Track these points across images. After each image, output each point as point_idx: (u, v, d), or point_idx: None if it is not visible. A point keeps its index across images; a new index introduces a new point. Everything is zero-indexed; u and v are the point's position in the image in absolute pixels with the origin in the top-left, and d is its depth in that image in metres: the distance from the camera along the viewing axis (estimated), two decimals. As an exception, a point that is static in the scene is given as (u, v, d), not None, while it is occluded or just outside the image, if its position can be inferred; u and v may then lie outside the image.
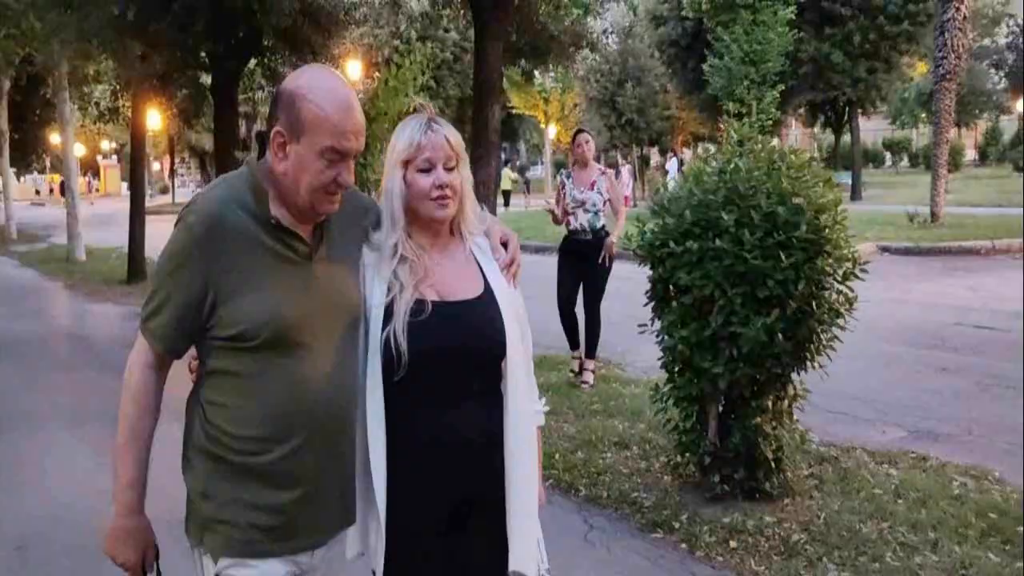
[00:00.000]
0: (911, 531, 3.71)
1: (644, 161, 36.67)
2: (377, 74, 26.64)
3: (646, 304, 4.24)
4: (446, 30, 32.46)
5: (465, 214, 1.88)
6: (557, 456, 4.70)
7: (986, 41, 41.27)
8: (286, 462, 1.67)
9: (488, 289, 1.86)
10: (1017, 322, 8.21)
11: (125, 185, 60.29)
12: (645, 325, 4.26)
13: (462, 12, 6.00)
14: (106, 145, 53.22)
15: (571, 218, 6.14)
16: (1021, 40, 40.40)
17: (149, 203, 15.61)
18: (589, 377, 6.21)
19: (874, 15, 25.28)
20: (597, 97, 26.90)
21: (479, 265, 1.89)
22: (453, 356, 1.79)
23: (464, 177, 1.86)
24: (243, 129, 34.34)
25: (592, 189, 6.11)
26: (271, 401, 1.66)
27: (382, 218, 1.84)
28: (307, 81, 1.66)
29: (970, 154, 46.08)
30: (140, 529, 1.71)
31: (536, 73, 6.96)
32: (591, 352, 6.28)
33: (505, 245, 1.93)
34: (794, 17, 21.89)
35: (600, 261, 6.08)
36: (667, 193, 3.99)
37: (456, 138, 1.84)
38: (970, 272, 11.19)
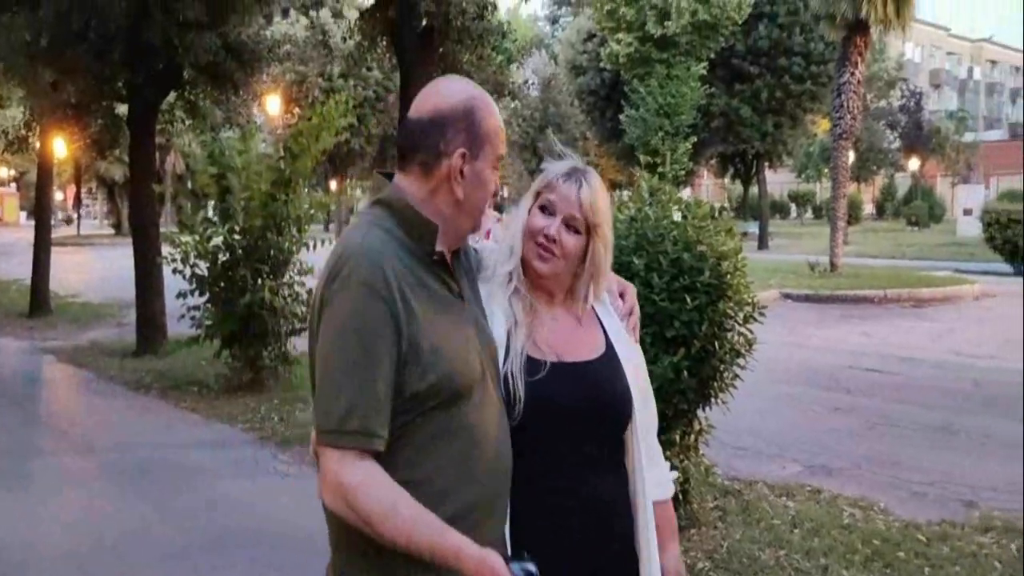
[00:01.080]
0: (805, 558, 3.96)
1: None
2: (298, 110, 26.58)
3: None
4: (368, 68, 32.72)
5: (596, 287, 1.70)
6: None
7: (882, 103, 43.89)
8: (477, 527, 1.44)
9: (610, 348, 1.69)
10: (905, 366, 8.77)
11: (24, 214, 57.87)
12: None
13: (387, 56, 6.14)
14: (3, 172, 50.98)
15: None
16: (912, 103, 43.17)
17: (54, 234, 15.05)
18: None
19: (780, 74, 26.75)
20: (519, 142, 27.49)
21: (599, 321, 1.72)
22: (572, 417, 1.61)
23: (595, 250, 1.66)
24: (180, 164, 33.55)
25: (488, 238, 5.96)
26: (464, 462, 1.46)
27: (500, 245, 1.72)
28: (465, 92, 1.51)
29: (868, 208, 48.69)
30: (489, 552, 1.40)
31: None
32: None
33: (622, 296, 1.78)
34: (706, 73, 23.16)
35: None
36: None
37: (592, 201, 1.64)
38: (864, 319, 11.86)
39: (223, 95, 8.85)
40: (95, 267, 23.36)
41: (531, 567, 1.40)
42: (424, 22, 5.07)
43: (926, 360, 9.08)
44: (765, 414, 6.59)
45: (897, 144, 44.76)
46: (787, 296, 14.18)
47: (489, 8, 5.26)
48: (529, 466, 1.57)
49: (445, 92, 1.52)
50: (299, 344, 7.90)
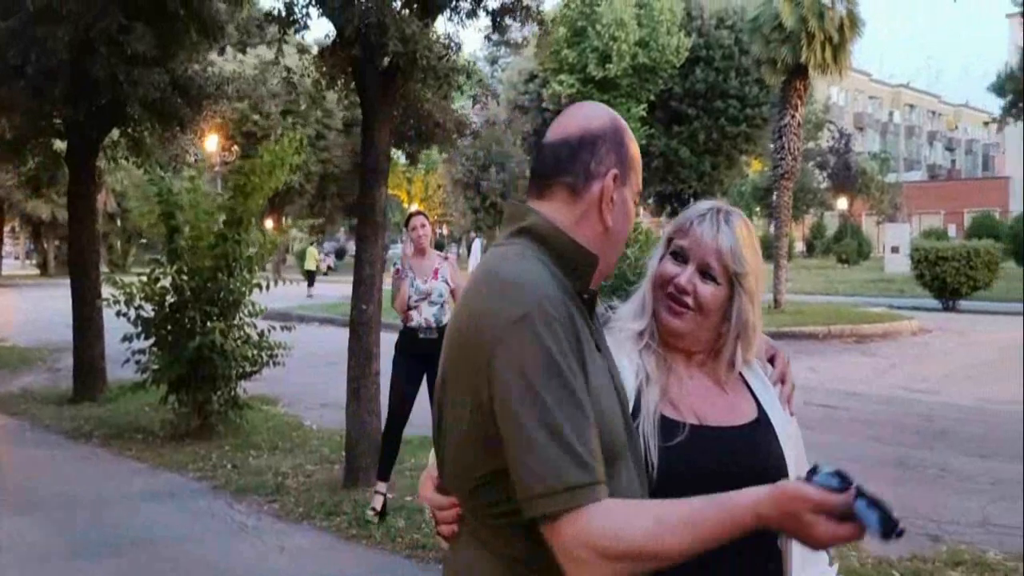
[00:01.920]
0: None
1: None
2: (236, 148, 26.20)
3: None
4: (295, 105, 32.51)
5: (746, 349, 1.48)
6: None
7: (811, 144, 45.59)
8: None
9: (763, 414, 1.48)
10: (854, 401, 8.95)
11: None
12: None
13: (344, 95, 6.07)
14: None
15: (413, 313, 5.26)
16: (842, 144, 44.90)
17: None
18: (377, 501, 5.17)
19: (717, 116, 27.58)
20: (462, 180, 27.59)
21: (749, 388, 1.51)
22: (715, 488, 1.27)
23: (741, 305, 1.46)
24: (112, 203, 32.60)
25: (436, 278, 5.32)
26: None
27: (630, 300, 1.53)
28: (611, 114, 1.37)
29: (799, 246, 50.22)
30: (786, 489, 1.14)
31: (405, 156, 7.02)
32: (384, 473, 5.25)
33: (772, 360, 1.58)
34: (646, 115, 23.74)
35: None
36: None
37: (733, 246, 1.45)
38: (810, 355, 12.11)
39: (170, 131, 8.62)
40: (21, 309, 22.42)
41: (834, 477, 1.16)
42: (388, 60, 5.02)
43: (874, 395, 9.29)
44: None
45: (826, 184, 46.39)
46: (733, 333, 14.35)
47: (454, 47, 5.25)
48: None
49: (591, 113, 1.36)
50: (249, 388, 7.66)
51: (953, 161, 78.81)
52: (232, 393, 7.42)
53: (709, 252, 1.45)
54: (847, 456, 6.70)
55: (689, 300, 1.44)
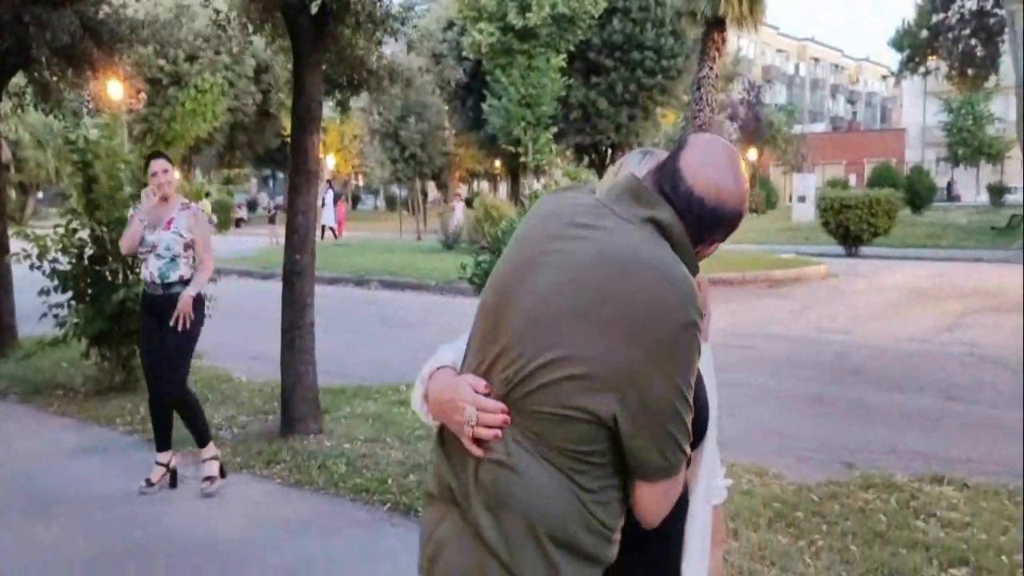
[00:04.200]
0: (715, 524, 4.19)
1: (423, 195, 37.30)
2: (142, 94, 25.02)
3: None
4: (216, 52, 31.22)
5: None
6: (390, 481, 4.76)
7: (722, 96, 46.48)
8: None
9: None
10: (771, 342, 9.39)
11: None
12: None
13: (272, 39, 5.91)
14: None
15: (143, 266, 4.86)
16: (753, 96, 45.95)
17: None
18: (212, 469, 4.86)
19: (634, 68, 27.77)
20: (380, 130, 27.08)
21: None
22: None
23: None
24: (6, 152, 30.67)
25: (168, 229, 4.78)
26: None
27: None
28: (743, 195, 1.53)
29: (712, 196, 51.44)
30: None
31: (336, 104, 6.86)
32: (202, 440, 4.87)
33: None
34: (565, 65, 23.69)
35: (173, 323, 4.65)
36: (502, 226, 4.27)
37: None
38: (727, 300, 12.56)
39: (80, 75, 8.19)
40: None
41: None
42: (320, 4, 4.91)
43: (790, 336, 9.77)
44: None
45: (737, 136, 47.52)
46: (652, 280, 14.75)
47: (388, -8, 5.17)
48: None
49: (730, 190, 1.49)
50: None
51: (854, 113, 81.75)
52: (157, 346, 7.25)
53: None
54: (767, 393, 7.10)
55: None
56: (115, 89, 19.28)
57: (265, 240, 25.23)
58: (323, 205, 26.40)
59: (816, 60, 78.73)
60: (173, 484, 4.92)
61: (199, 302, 4.83)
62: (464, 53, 24.68)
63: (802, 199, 35.71)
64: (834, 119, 77.69)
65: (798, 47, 76.71)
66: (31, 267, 7.02)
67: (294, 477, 4.98)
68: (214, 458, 4.89)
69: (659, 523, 1.48)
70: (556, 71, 22.77)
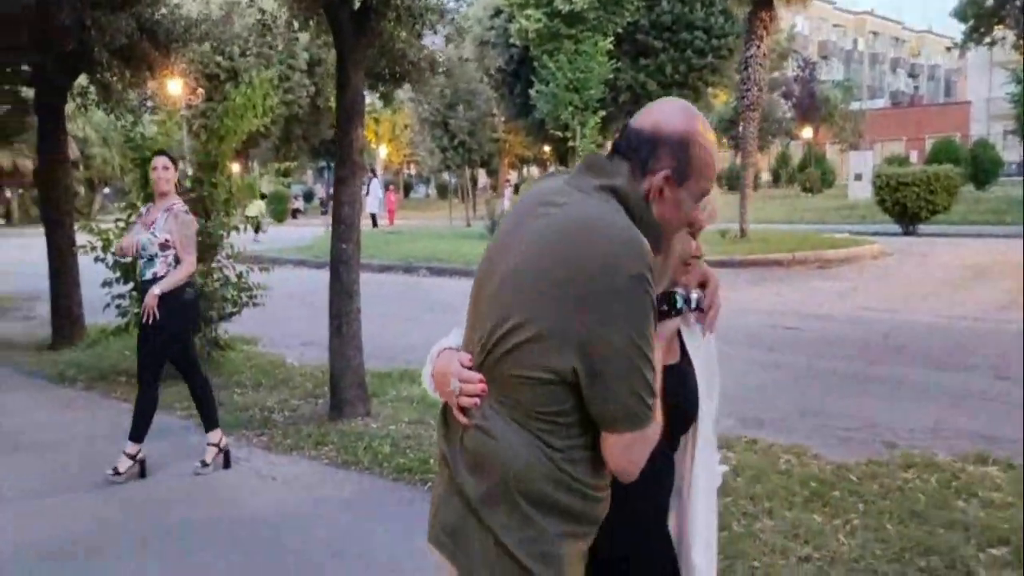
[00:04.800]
0: (750, 502, 4.24)
1: (473, 182, 37.52)
2: (200, 91, 25.62)
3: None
4: (269, 47, 31.81)
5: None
6: (432, 461, 4.91)
7: (776, 74, 45.55)
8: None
9: (685, 356, 1.81)
10: (820, 323, 9.30)
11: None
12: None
13: (317, 35, 6.08)
14: None
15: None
16: (807, 73, 44.95)
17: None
18: (122, 464, 4.94)
19: (683, 48, 27.45)
20: (429, 119, 27.34)
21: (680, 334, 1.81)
22: None
23: None
24: (75, 149, 31.90)
25: (150, 229, 4.90)
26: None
27: None
28: (688, 123, 1.56)
29: (765, 175, 50.61)
30: None
31: (379, 96, 7.07)
32: (134, 436, 5.00)
33: (703, 286, 1.81)
34: (613, 48, 23.53)
35: (145, 320, 4.83)
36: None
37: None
38: (776, 281, 12.47)
39: (138, 76, 8.52)
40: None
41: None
42: (362, 0, 5.06)
43: (838, 316, 9.66)
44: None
45: (791, 114, 46.55)
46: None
47: (426, -13, 5.29)
48: None
49: (669, 115, 1.57)
50: (230, 329, 7.80)
51: (916, 88, 79.28)
52: (214, 334, 7.56)
53: None
54: (810, 373, 7.07)
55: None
56: (173, 86, 19.86)
57: (320, 230, 25.75)
58: (367, 194, 26.80)
59: (875, 34, 76.50)
60: (227, 464, 5.16)
61: (182, 303, 4.90)
62: (511, 40, 24.71)
63: (858, 177, 34.85)
64: (895, 94, 75.48)
65: (856, 21, 74.62)
66: (95, 260, 7.37)
67: (341, 457, 5.18)
68: (130, 456, 4.98)
69: (638, 481, 1.54)
70: (604, 54, 22.60)
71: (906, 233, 19.69)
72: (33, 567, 3.91)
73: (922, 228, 19.84)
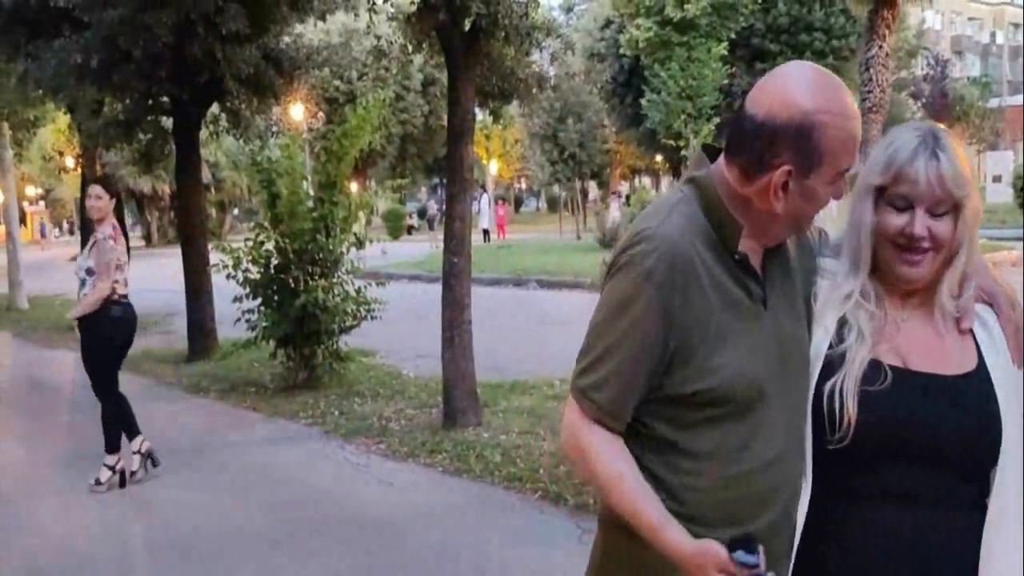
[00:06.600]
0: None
1: (583, 195, 37.57)
2: (320, 114, 26.81)
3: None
4: (387, 69, 32.95)
5: (952, 272, 1.41)
6: (541, 471, 4.99)
7: (903, 73, 43.45)
8: None
9: (982, 368, 1.39)
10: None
11: (56, 230, 59.07)
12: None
13: (429, 57, 6.32)
14: (31, 191, 51.82)
15: None
16: (938, 71, 42.72)
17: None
18: (103, 474, 5.23)
19: (801, 51, 26.61)
20: (539, 133, 27.62)
21: (973, 336, 1.43)
22: (915, 438, 1.34)
23: (960, 233, 1.38)
24: (207, 173, 34.20)
25: (86, 253, 5.27)
26: (727, 476, 1.39)
27: (841, 254, 1.47)
28: (805, 104, 1.31)
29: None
30: (709, 546, 1.31)
31: (489, 113, 7.31)
32: (109, 446, 5.28)
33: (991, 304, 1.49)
34: (727, 53, 23.11)
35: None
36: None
37: (957, 173, 1.35)
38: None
39: (264, 103, 9.07)
40: (132, 278, 23.70)
41: (752, 558, 1.26)
42: (472, 22, 5.23)
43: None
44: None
45: (921, 114, 44.25)
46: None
47: (533, 5, 5.42)
48: (848, 488, 1.37)
49: (784, 95, 1.33)
50: (349, 341, 8.13)
51: (1062, 81, 73.86)
52: (335, 346, 7.90)
53: (935, 189, 1.35)
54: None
55: (926, 244, 1.37)
56: (296, 111, 20.89)
57: (427, 246, 26.41)
58: (478, 211, 27.28)
59: (1016, 26, 71.76)
60: (122, 484, 5.25)
61: (108, 319, 5.17)
62: (622, 50, 24.65)
63: (997, 179, 32.82)
64: (1038, 89, 70.59)
65: (993, 13, 70.29)
66: (227, 277, 7.86)
67: (454, 465, 5.33)
68: (109, 467, 5.25)
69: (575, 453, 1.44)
70: (717, 60, 22.25)
71: (1050, 238, 18.35)
72: (165, 561, 4.23)
73: (1069, 232, 18.44)
